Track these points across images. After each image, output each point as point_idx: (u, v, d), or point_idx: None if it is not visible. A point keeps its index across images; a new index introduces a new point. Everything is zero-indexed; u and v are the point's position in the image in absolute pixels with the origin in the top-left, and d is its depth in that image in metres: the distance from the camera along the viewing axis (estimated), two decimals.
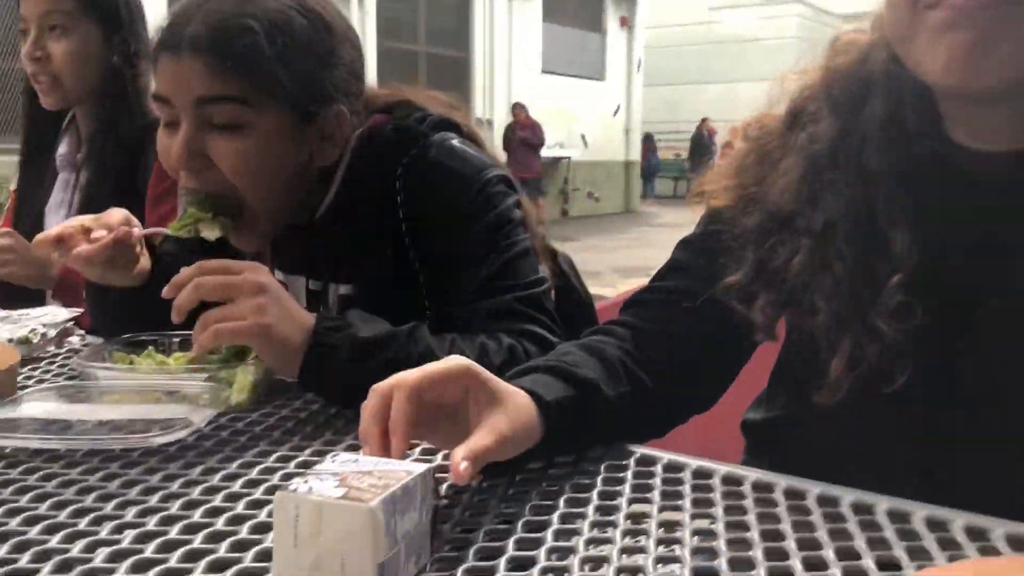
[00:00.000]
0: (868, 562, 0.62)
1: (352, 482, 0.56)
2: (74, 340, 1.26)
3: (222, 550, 0.65)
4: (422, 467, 0.61)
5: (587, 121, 14.87)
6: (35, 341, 1.19)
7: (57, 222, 1.72)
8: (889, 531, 0.67)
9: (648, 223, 13.25)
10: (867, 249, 0.77)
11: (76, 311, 1.28)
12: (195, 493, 0.75)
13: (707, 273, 0.86)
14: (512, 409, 0.71)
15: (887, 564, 0.62)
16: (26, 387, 0.99)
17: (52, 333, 1.22)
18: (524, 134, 11.74)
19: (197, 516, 0.71)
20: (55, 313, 1.26)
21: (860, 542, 0.66)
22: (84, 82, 1.63)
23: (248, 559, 0.63)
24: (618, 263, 8.32)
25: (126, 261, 1.11)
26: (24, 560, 0.64)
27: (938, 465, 0.79)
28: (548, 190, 13.09)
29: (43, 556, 0.64)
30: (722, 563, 0.62)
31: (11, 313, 1.25)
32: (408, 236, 1.09)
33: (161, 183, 1.60)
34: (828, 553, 0.64)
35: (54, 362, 1.17)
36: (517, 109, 12.11)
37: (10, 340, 1.14)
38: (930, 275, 0.75)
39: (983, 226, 0.76)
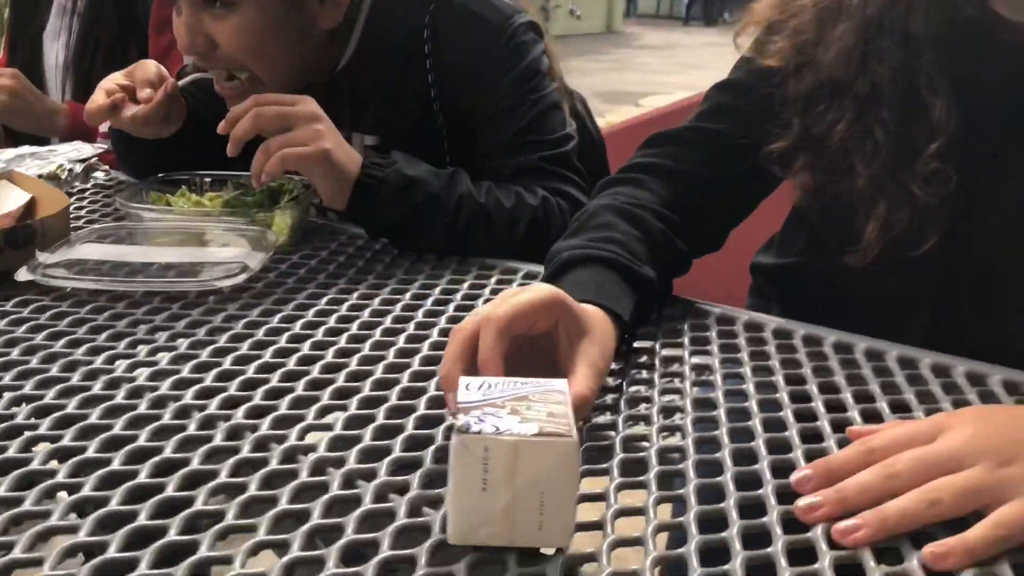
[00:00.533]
0: (882, 405, 0.70)
1: (525, 412, 0.52)
2: (99, 176, 1.28)
3: (299, 388, 0.71)
4: (561, 383, 0.57)
5: None
6: (63, 177, 1.21)
7: (56, 49, 1.70)
8: (899, 376, 0.75)
9: (630, 45, 12.94)
10: (907, 116, 0.80)
11: (100, 146, 1.30)
12: (260, 334, 0.81)
13: (749, 121, 0.89)
14: (599, 337, 0.69)
15: (898, 407, 0.70)
16: (74, 228, 1.02)
17: (78, 169, 1.24)
18: None
19: (268, 356, 0.77)
20: (80, 148, 1.27)
21: (874, 386, 0.73)
22: None
23: (325, 397, 0.70)
24: (600, 87, 8.19)
25: (177, 113, 1.13)
26: (97, 387, 0.70)
27: (946, 321, 0.86)
28: (528, 7, 12.63)
29: (136, 393, 0.70)
30: (752, 404, 0.70)
31: (38, 149, 1.27)
32: (435, 87, 1.10)
33: (163, 11, 1.57)
34: (847, 396, 0.71)
35: (86, 198, 1.20)
36: None
37: (40, 176, 1.16)
38: (963, 143, 0.79)
39: (1016, 96, 0.79)
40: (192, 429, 0.65)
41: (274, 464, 0.60)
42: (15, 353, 0.75)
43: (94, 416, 0.66)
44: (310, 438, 0.64)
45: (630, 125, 2.29)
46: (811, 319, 0.86)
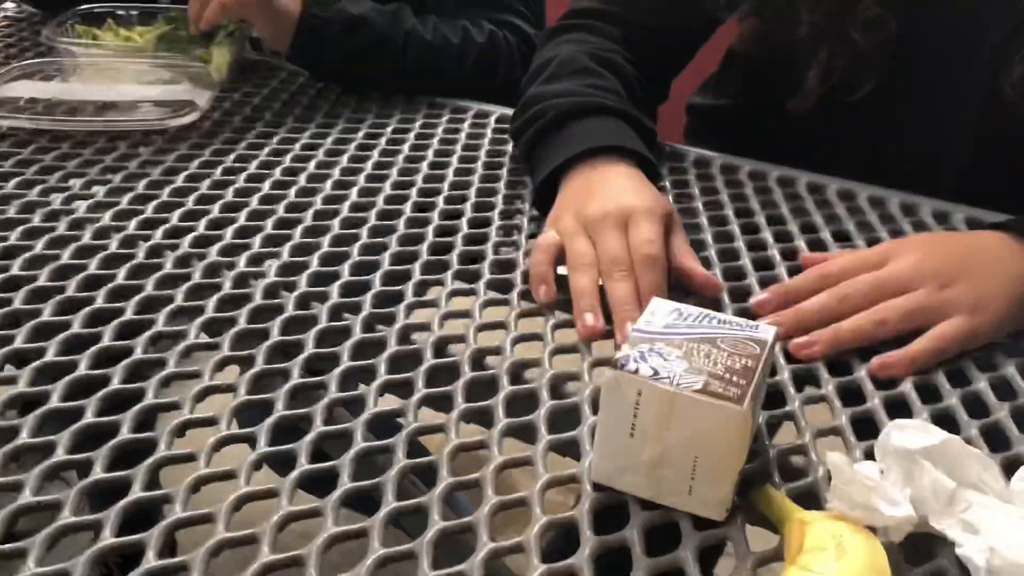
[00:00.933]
0: (825, 235, 0.75)
1: (700, 362, 0.44)
2: (8, 7, 1.20)
3: (268, 227, 0.72)
4: (770, 331, 0.48)
5: None
6: None
7: None
8: (840, 208, 0.80)
9: None
10: None
11: None
12: (217, 174, 0.80)
13: None
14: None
15: (840, 236, 0.75)
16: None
17: None
18: None
19: (230, 196, 0.76)
20: None
21: (817, 218, 0.78)
22: None
23: (297, 235, 0.71)
24: None
25: None
26: (61, 228, 0.69)
27: (882, 162, 0.90)
28: None
29: (103, 233, 0.69)
30: (707, 236, 0.74)
31: None
32: None
33: None
34: (792, 228, 0.76)
35: (8, 35, 1.13)
36: None
37: None
38: None
39: None
40: (169, 267, 0.65)
41: (258, 299, 0.62)
42: None
43: (65, 256, 0.65)
44: (290, 275, 0.65)
45: None
46: (752, 159, 0.90)
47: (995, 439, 0.52)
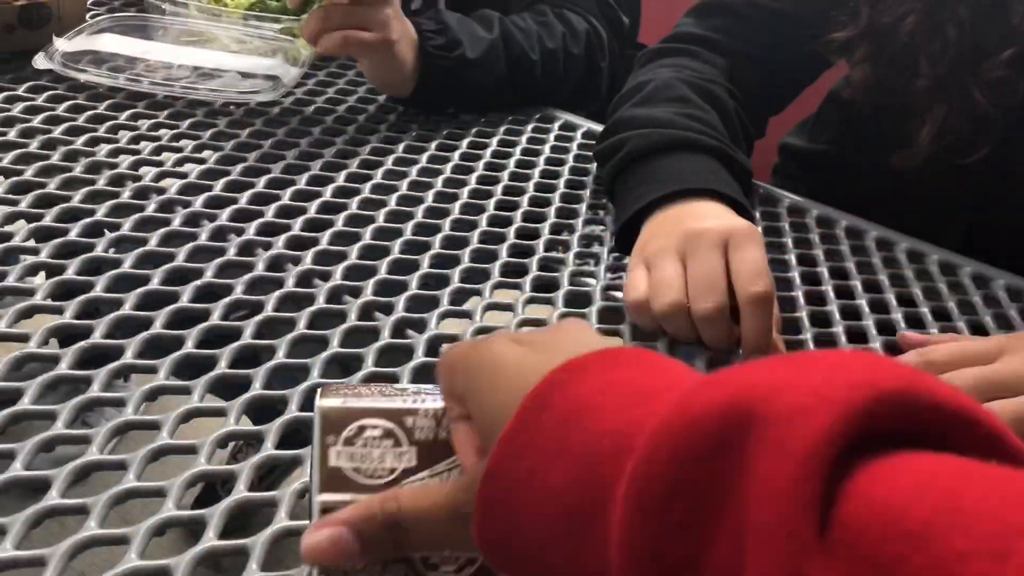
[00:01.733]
0: (924, 311, 0.70)
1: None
2: None
3: (339, 223, 0.68)
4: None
5: None
6: None
7: None
8: (941, 282, 0.74)
9: None
10: (984, 17, 0.75)
11: None
12: (291, 157, 0.77)
13: (812, 3, 0.84)
14: None
15: (940, 314, 0.70)
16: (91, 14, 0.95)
17: None
18: None
19: (302, 183, 0.73)
20: None
21: (916, 289, 0.72)
22: None
23: (367, 236, 0.67)
24: None
25: None
26: (125, 195, 0.66)
27: (983, 230, 0.84)
28: None
29: (167, 207, 0.66)
30: (799, 296, 0.69)
31: None
32: None
33: None
34: (889, 297, 0.71)
35: None
36: None
37: None
38: None
39: None
40: (231, 254, 0.62)
41: (321, 303, 0.58)
42: (34, 146, 0.71)
43: (126, 227, 0.63)
44: (354, 279, 0.62)
45: None
46: (841, 209, 0.84)
47: None
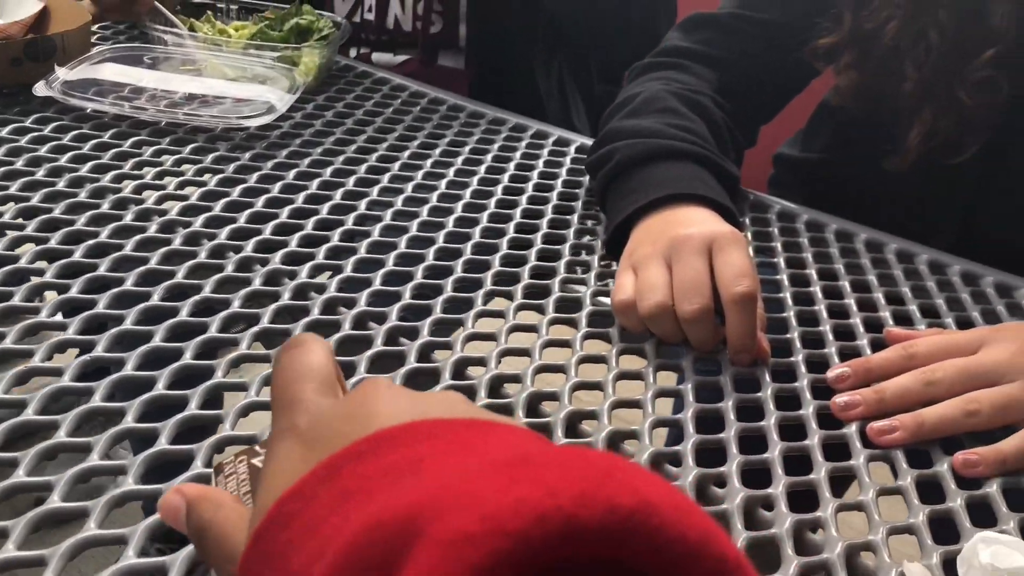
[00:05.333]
0: (913, 308, 0.71)
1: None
2: None
3: (335, 238, 0.70)
4: None
5: None
6: None
7: None
8: (930, 281, 0.75)
9: None
10: (965, 19, 0.77)
11: None
12: (290, 177, 0.79)
13: (797, 11, 0.86)
14: None
15: (928, 311, 0.71)
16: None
17: None
18: None
19: (300, 202, 0.75)
20: None
21: (904, 288, 0.73)
22: None
23: (363, 249, 0.69)
24: None
25: None
26: (128, 217, 0.68)
27: (975, 230, 0.85)
28: None
29: (168, 227, 0.69)
30: (787, 297, 0.70)
31: None
32: None
33: None
34: (878, 296, 0.72)
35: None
36: None
37: None
38: (1019, 51, 0.76)
39: None
40: (230, 270, 0.64)
41: (316, 313, 0.60)
42: (40, 174, 0.73)
43: (128, 248, 0.65)
44: (349, 290, 0.63)
45: None
46: (835, 215, 0.86)
47: None
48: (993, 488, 0.51)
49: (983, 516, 0.50)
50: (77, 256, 0.63)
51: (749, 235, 0.79)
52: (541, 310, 0.64)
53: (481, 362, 0.57)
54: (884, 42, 0.81)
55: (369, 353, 0.57)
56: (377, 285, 0.64)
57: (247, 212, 0.72)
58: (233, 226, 0.69)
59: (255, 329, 0.57)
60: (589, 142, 0.87)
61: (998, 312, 0.71)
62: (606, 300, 0.65)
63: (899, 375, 0.57)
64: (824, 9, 0.84)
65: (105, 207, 0.70)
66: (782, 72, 0.90)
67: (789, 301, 0.69)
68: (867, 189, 0.91)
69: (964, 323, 0.69)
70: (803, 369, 0.61)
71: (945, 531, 0.49)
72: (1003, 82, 0.78)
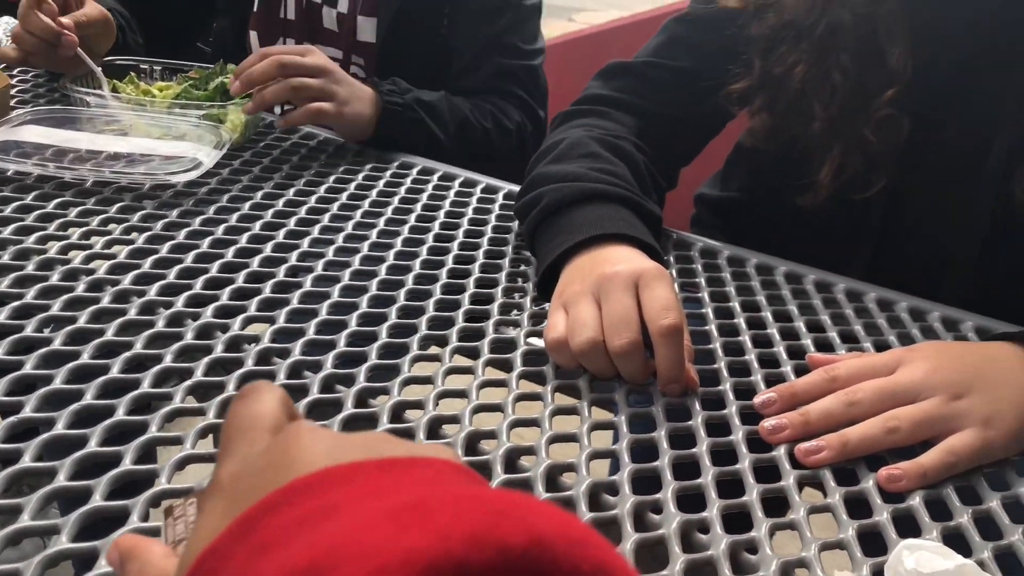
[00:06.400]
0: (833, 335, 0.73)
1: None
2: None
3: (267, 290, 0.70)
4: None
5: None
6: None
7: None
8: (848, 308, 0.78)
9: None
10: (865, 62, 0.81)
11: None
12: (219, 232, 0.79)
13: (710, 59, 0.90)
14: None
15: (847, 337, 0.74)
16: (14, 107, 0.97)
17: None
18: None
19: (230, 256, 0.75)
20: (8, 21, 1.19)
21: (824, 316, 0.76)
22: None
23: (295, 300, 0.69)
24: None
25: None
26: (55, 278, 0.67)
27: (887, 260, 0.89)
28: None
29: (97, 286, 0.68)
30: (713, 329, 0.72)
31: None
32: None
33: None
34: (799, 325, 0.74)
35: (29, 80, 1.13)
36: None
37: None
38: (917, 91, 0.81)
39: (969, 48, 0.81)
40: (161, 326, 0.63)
41: (250, 364, 0.60)
42: None
43: (55, 308, 0.64)
44: (282, 341, 0.63)
45: (566, 40, 2.27)
46: (756, 250, 0.89)
47: (1009, 564, 0.50)
48: (916, 501, 0.54)
49: (908, 527, 0.52)
50: (1, 318, 0.62)
51: (674, 272, 0.82)
52: (476, 352, 0.65)
53: (419, 405, 0.58)
54: (792, 85, 0.85)
55: (306, 401, 0.57)
56: (311, 335, 0.65)
57: (177, 268, 0.71)
58: (163, 282, 0.69)
59: (188, 383, 0.57)
60: (516, 188, 0.89)
61: (913, 335, 0.75)
62: (538, 342, 0.66)
63: (822, 397, 0.59)
64: (735, 56, 0.88)
65: (30, 268, 0.69)
66: (698, 116, 0.94)
67: (715, 333, 0.71)
68: (784, 224, 0.95)
69: (882, 347, 0.72)
70: (731, 397, 0.63)
71: (874, 544, 0.50)
72: (904, 120, 0.82)
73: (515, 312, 0.72)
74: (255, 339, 0.63)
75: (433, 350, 0.66)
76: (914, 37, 0.81)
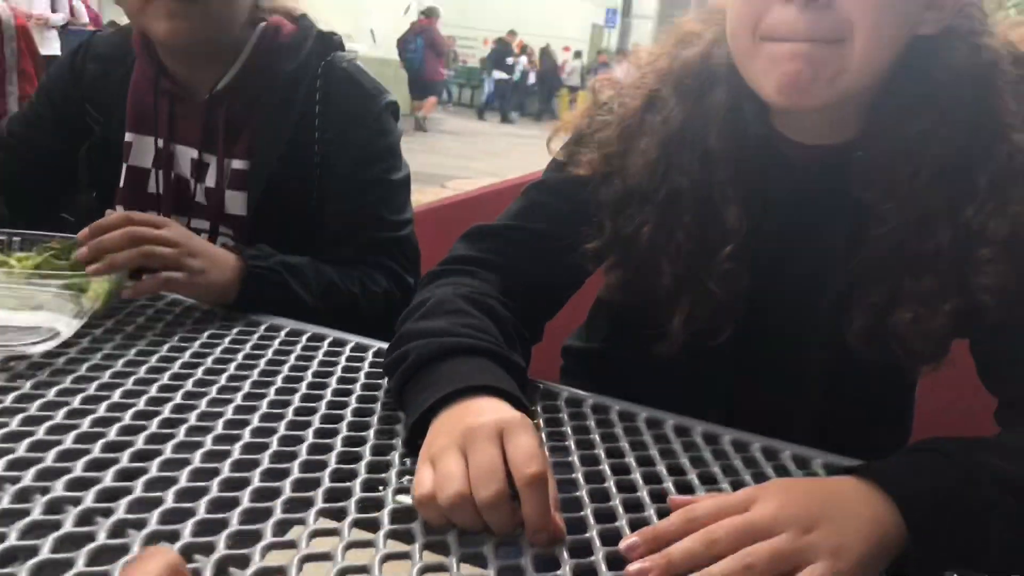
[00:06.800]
0: (692, 477, 0.76)
1: None
2: None
3: (124, 459, 0.68)
4: None
5: (376, 15, 14.45)
6: None
7: None
8: (706, 451, 0.82)
9: (434, 128, 13.22)
10: (705, 221, 0.89)
11: None
12: (76, 403, 0.77)
13: (565, 222, 0.95)
14: None
15: (707, 478, 0.76)
16: None
17: None
18: None
19: (85, 426, 0.73)
20: None
21: (684, 460, 0.79)
22: None
23: (154, 468, 0.67)
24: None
25: None
26: None
27: (743, 402, 0.94)
28: None
29: None
30: (579, 476, 0.74)
31: None
32: (319, 138, 1.20)
33: None
34: (661, 469, 0.77)
35: None
36: None
37: None
38: (753, 247, 0.88)
39: (796, 207, 0.90)
40: (7, 503, 0.60)
41: (102, 539, 0.58)
42: None
43: None
44: (139, 511, 0.61)
45: (438, 206, 2.36)
46: (621, 398, 0.92)
47: None
48: None
49: None
50: None
51: (541, 421, 0.84)
52: (343, 512, 0.64)
53: (281, 571, 0.56)
54: (641, 244, 0.92)
55: None
56: (170, 503, 0.63)
57: (27, 441, 0.69)
58: (10, 457, 0.66)
59: (35, 560, 0.54)
60: (386, 346, 0.90)
61: (767, 474, 0.78)
62: (407, 498, 0.66)
63: (684, 538, 0.61)
64: (587, 218, 0.94)
65: None
66: (557, 273, 0.98)
67: (581, 480, 0.73)
68: (644, 372, 0.99)
69: (738, 486, 0.74)
70: (598, 543, 0.64)
71: None
72: (744, 272, 0.89)
73: (383, 469, 0.72)
74: (109, 512, 0.61)
75: (298, 511, 0.65)
76: (747, 199, 0.89)
